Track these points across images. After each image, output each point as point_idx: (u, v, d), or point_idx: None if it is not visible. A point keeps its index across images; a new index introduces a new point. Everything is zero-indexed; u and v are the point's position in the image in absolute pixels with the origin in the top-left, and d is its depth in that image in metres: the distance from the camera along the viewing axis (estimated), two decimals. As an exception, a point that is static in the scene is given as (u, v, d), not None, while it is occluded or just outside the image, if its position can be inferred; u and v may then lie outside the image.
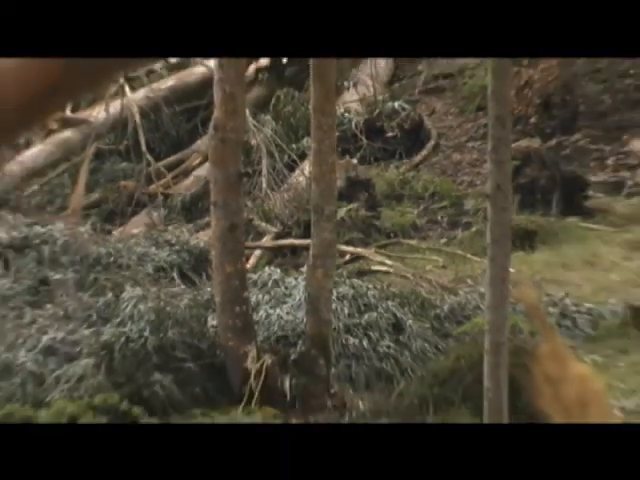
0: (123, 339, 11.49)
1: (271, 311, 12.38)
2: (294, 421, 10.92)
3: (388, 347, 12.18)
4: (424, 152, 18.83)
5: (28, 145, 16.94)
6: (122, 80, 17.31)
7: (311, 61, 12.20)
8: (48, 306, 12.35)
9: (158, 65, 18.24)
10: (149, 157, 17.21)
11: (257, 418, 10.58)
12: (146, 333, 11.55)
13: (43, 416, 9.94)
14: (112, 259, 13.45)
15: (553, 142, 17.47)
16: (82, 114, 17.52)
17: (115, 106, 17.56)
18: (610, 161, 17.52)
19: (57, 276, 13.01)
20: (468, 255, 14.75)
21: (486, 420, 10.24)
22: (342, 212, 14.50)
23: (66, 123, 17.27)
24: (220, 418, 10.74)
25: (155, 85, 18.34)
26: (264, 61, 18.89)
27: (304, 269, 12.45)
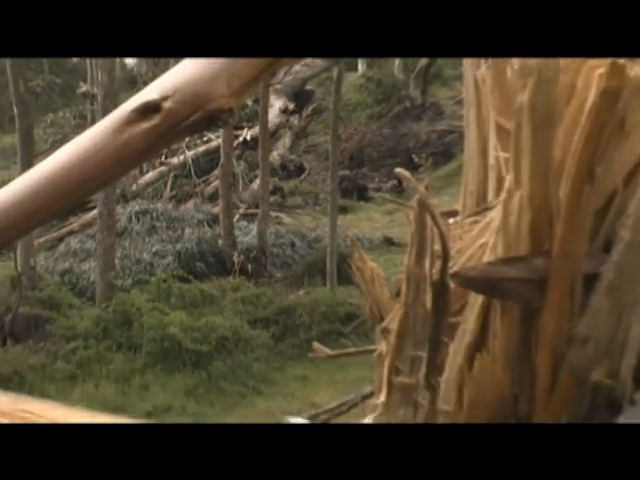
0: (185, 249, 11.16)
1: (243, 238, 12.08)
2: (251, 282, 10.52)
3: (289, 252, 11.97)
4: (303, 176, 18.46)
5: (147, 172, 16.34)
6: (184, 145, 16.76)
7: (259, 139, 11.87)
8: (154, 236, 11.94)
9: (199, 140, 17.56)
10: (195, 177, 16.66)
11: (237, 281, 10.26)
12: (194, 246, 11.23)
13: (153, 280, 9.58)
14: (180, 217, 13.04)
15: (354, 172, 17.25)
16: (167, 160, 16.93)
17: (180, 157, 16.96)
18: (376, 180, 17.33)
19: (158, 224, 12.58)
20: (321, 216, 14.54)
21: (328, 282, 10.04)
22: (271, 199, 14.11)
23: (161, 163, 16.72)
24: (223, 282, 10.37)
25: (198, 149, 17.71)
26: (240, 139, 18.24)
27: (256, 221, 12.15)
